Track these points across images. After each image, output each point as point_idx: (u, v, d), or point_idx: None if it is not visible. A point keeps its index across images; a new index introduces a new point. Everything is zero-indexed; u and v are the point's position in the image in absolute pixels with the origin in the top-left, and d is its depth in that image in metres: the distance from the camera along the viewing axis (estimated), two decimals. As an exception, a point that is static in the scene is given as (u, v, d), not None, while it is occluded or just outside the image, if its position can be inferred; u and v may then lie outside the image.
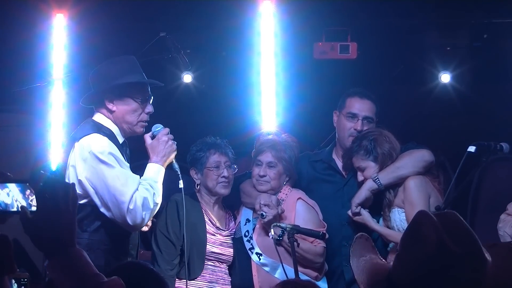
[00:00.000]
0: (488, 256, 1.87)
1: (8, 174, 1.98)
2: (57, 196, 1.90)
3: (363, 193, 4.34)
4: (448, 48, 6.48)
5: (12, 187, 1.97)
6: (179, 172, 4.02)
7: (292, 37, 6.01)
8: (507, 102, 6.23)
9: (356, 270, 2.14)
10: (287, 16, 5.95)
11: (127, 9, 6.10)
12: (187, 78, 6.42)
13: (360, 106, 4.57)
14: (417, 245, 1.89)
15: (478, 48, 6.36)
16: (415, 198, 4.22)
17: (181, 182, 4.03)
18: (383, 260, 2.20)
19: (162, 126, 4.02)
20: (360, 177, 4.40)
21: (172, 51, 5.83)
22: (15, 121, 6.62)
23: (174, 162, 4.01)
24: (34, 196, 1.94)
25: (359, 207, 4.35)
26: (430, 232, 1.87)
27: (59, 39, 6.14)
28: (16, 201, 1.97)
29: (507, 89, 6.29)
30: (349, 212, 4.38)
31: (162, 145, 3.94)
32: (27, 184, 1.97)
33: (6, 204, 1.96)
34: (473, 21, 6.32)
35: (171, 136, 3.98)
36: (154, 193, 3.82)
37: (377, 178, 4.30)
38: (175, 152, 3.99)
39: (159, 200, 3.88)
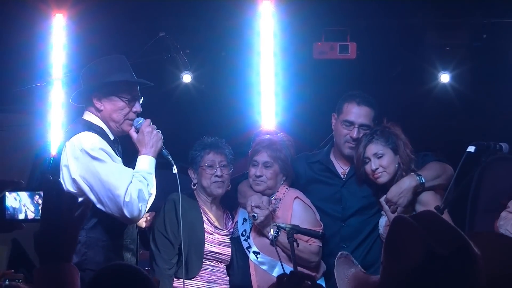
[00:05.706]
0: (476, 249, 1.81)
1: (21, 181, 1.94)
2: (61, 209, 1.87)
3: (407, 192, 4.18)
4: (448, 48, 6.47)
5: (21, 192, 1.92)
6: (170, 158, 4.01)
7: (291, 37, 6.01)
8: (506, 102, 6.23)
9: (342, 284, 2.12)
10: (286, 16, 5.95)
11: (127, 9, 6.10)
12: (187, 78, 6.42)
13: (357, 113, 4.46)
14: (402, 256, 1.82)
15: (478, 48, 6.36)
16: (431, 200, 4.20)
17: (174, 167, 4.01)
18: (365, 273, 2.19)
19: (142, 119, 4.01)
20: (374, 165, 4.28)
21: (172, 51, 5.82)
22: (15, 121, 6.62)
23: (163, 149, 4.00)
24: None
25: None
26: (413, 240, 1.79)
27: (58, 39, 6.15)
28: (24, 205, 1.92)
29: (507, 89, 6.28)
30: (388, 206, 4.23)
31: (147, 136, 3.93)
32: (40, 192, 1.92)
33: (14, 209, 1.91)
34: (472, 21, 6.32)
35: (154, 126, 3.98)
36: (148, 184, 3.82)
37: (420, 176, 4.21)
38: (162, 140, 3.98)
39: (153, 190, 3.88)
